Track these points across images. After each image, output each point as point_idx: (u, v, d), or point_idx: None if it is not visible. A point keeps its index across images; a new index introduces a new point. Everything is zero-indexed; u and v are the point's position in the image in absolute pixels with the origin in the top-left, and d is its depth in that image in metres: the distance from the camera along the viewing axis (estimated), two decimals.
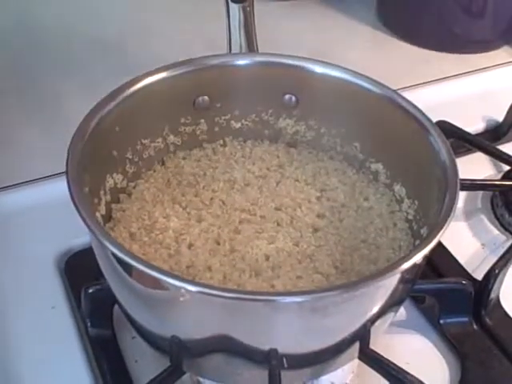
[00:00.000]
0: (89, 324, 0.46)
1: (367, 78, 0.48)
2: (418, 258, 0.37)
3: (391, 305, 0.40)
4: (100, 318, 0.46)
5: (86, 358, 0.45)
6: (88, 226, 0.36)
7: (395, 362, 0.40)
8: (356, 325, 0.38)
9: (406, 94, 0.47)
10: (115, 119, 0.43)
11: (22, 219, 0.54)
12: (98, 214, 0.42)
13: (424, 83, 0.72)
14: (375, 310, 0.39)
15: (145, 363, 0.44)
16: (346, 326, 0.38)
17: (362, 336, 0.39)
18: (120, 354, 0.45)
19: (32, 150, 0.62)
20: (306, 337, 0.38)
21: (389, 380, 0.41)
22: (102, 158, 0.43)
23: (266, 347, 0.37)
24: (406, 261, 0.37)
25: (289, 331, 0.37)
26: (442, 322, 0.48)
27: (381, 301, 0.38)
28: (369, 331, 0.39)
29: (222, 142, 0.50)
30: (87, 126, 0.42)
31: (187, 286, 0.34)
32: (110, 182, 0.44)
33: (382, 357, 0.41)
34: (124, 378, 0.44)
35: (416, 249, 0.38)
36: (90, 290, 0.46)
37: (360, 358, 0.41)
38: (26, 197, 0.56)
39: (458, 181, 0.40)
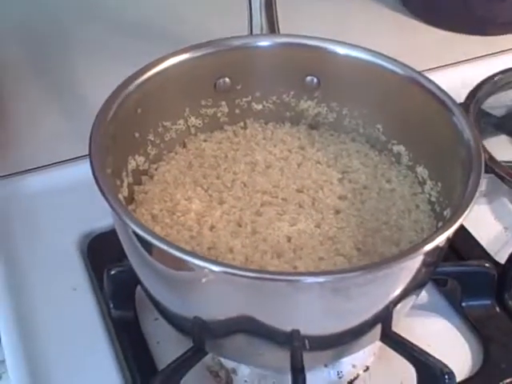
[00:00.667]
0: (111, 306, 0.46)
1: (390, 58, 0.47)
2: (441, 239, 0.36)
3: (413, 287, 0.40)
4: (122, 300, 0.47)
5: (108, 340, 0.45)
6: (111, 206, 0.36)
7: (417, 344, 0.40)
8: (378, 307, 0.38)
9: (429, 76, 0.46)
10: (137, 101, 0.43)
11: (45, 202, 0.54)
12: (120, 196, 0.42)
13: (447, 65, 0.71)
14: (397, 292, 0.38)
15: (167, 344, 0.45)
16: (368, 307, 0.38)
17: (384, 318, 0.39)
18: (142, 335, 0.46)
19: (55, 132, 0.62)
20: (329, 318, 0.38)
21: (411, 362, 0.41)
22: (123, 140, 0.42)
23: (289, 328, 0.37)
24: (429, 242, 0.36)
25: (311, 312, 0.37)
26: (464, 304, 0.48)
27: (403, 283, 0.38)
28: (391, 313, 0.39)
29: (242, 124, 0.49)
30: (109, 109, 0.42)
31: (210, 265, 0.34)
32: (132, 164, 0.44)
33: (405, 339, 0.41)
34: (146, 360, 0.44)
35: (439, 230, 0.37)
36: (113, 272, 0.46)
37: (382, 341, 0.41)
38: (48, 180, 0.56)
39: (483, 160, 0.40)
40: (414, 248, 0.37)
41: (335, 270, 0.38)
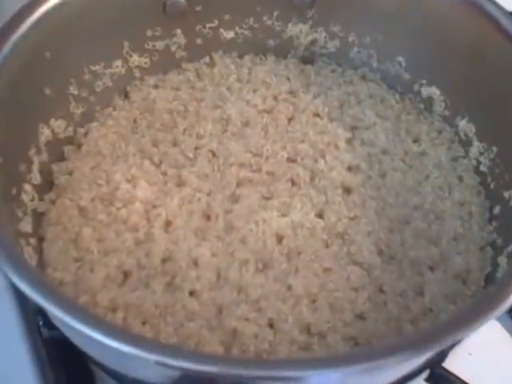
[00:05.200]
0: (40, 323, 0.35)
1: None
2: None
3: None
4: None
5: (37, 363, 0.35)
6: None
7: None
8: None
9: None
10: (42, 40, 0.32)
11: None
12: (24, 197, 0.31)
13: None
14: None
15: None
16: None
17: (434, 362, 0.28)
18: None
19: None
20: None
21: None
22: (24, 102, 0.32)
23: None
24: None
25: None
26: None
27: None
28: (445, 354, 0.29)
29: (208, 59, 0.39)
30: None
31: (143, 354, 0.23)
32: (45, 134, 0.34)
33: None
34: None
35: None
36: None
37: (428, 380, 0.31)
38: None
39: None
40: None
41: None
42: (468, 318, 0.25)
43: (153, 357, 0.23)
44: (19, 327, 0.37)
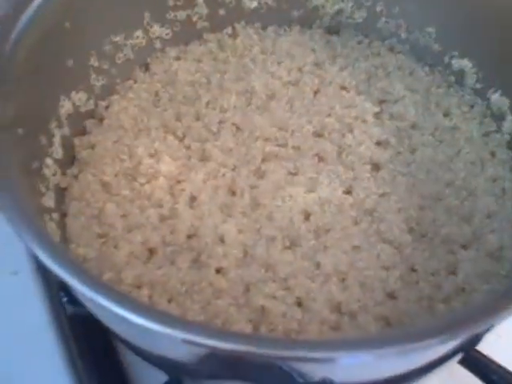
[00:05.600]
0: (64, 300, 0.34)
1: None
2: None
3: None
4: None
5: (61, 339, 0.35)
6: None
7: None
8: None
9: None
10: (62, 10, 0.31)
11: None
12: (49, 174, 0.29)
13: None
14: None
15: None
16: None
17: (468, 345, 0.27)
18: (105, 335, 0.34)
19: None
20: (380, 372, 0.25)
21: None
22: (44, 73, 0.31)
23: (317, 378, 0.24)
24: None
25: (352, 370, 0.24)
26: None
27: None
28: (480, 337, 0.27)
29: (231, 30, 0.38)
30: (10, 27, 0.28)
31: (170, 331, 0.22)
32: (65, 107, 0.33)
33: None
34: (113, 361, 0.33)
35: None
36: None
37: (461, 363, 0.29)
38: None
39: None
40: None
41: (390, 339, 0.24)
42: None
43: (180, 334, 0.22)
44: (43, 303, 0.36)
